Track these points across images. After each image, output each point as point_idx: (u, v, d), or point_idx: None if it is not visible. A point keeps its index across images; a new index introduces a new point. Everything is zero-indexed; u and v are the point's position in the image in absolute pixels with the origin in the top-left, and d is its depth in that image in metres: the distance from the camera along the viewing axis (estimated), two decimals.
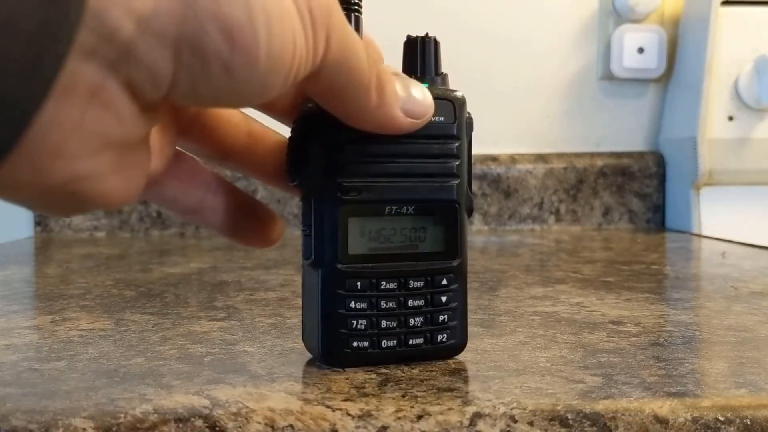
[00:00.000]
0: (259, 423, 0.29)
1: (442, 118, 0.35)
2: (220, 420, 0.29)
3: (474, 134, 0.36)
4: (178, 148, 0.32)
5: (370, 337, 0.34)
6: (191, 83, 0.24)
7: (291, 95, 0.33)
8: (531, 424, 0.29)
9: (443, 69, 0.36)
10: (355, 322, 0.34)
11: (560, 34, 1.05)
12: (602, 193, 1.03)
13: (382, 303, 0.34)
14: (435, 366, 0.35)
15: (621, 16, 1.02)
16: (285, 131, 0.36)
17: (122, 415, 0.29)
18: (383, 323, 0.34)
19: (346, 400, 0.30)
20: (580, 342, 0.40)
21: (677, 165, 1.01)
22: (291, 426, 0.29)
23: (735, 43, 0.95)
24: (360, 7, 0.35)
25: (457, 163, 0.35)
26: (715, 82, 0.95)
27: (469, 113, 0.36)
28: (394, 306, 0.34)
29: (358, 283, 0.34)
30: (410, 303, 0.35)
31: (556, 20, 1.05)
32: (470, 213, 0.36)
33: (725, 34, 0.95)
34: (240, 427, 0.29)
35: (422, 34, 0.36)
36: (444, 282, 0.35)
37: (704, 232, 0.95)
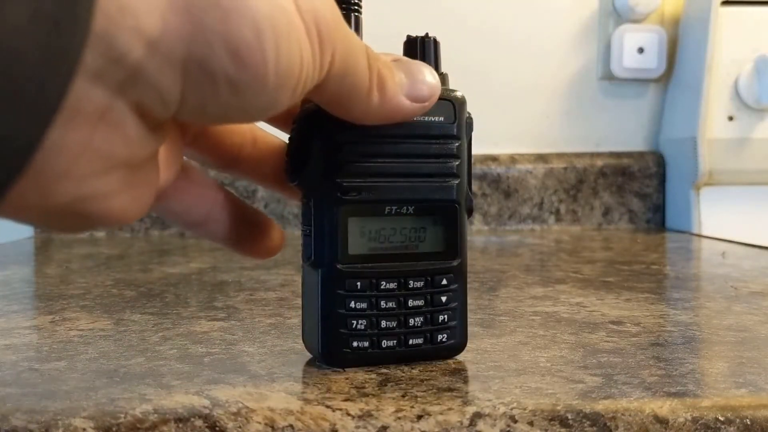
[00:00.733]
0: (259, 423, 0.29)
1: (442, 118, 0.35)
2: (220, 420, 0.29)
3: (474, 134, 0.36)
4: (185, 159, 0.32)
5: (370, 337, 0.34)
6: (199, 102, 0.24)
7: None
8: (531, 424, 0.29)
9: (443, 69, 0.36)
10: (355, 322, 0.34)
11: (560, 34, 1.05)
12: (602, 193, 1.03)
13: (382, 303, 0.34)
14: (435, 366, 0.35)
15: (621, 16, 1.02)
16: (285, 134, 0.36)
17: (122, 415, 0.29)
18: (383, 323, 0.34)
19: (346, 400, 0.30)
20: (580, 342, 0.40)
21: (677, 165, 1.01)
22: (291, 426, 0.29)
23: (735, 43, 0.95)
24: (360, 7, 0.35)
25: (457, 163, 0.35)
26: (715, 82, 0.95)
27: (469, 113, 0.36)
28: (394, 306, 0.34)
29: (358, 283, 0.34)
30: (410, 303, 0.35)
31: (556, 20, 1.05)
32: (470, 213, 0.36)
33: (725, 34, 0.95)
34: (240, 427, 0.29)
35: (422, 34, 0.36)
36: (444, 282, 0.35)
37: (704, 232, 0.95)
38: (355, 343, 0.34)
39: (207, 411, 0.29)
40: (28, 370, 0.35)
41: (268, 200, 0.99)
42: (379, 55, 0.30)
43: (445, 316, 0.35)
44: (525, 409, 0.29)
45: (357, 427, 0.29)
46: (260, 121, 0.31)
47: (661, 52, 1.01)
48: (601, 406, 0.30)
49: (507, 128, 1.05)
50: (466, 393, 0.31)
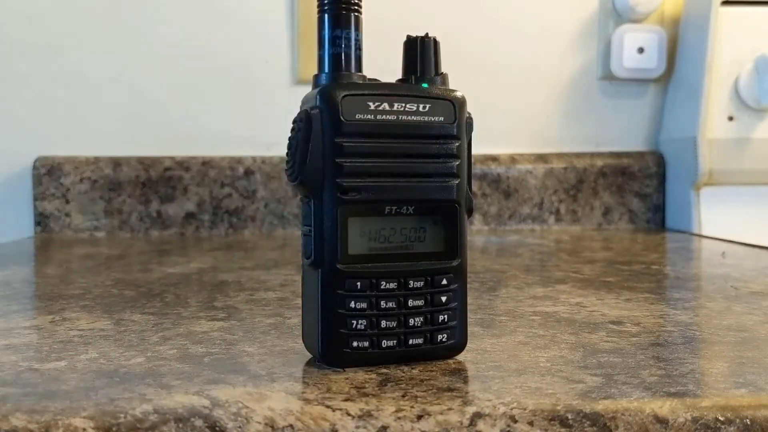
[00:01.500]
0: (259, 423, 0.29)
1: (442, 118, 0.35)
2: (220, 420, 0.29)
3: (474, 134, 0.36)
4: None
5: (370, 337, 0.34)
6: None
7: None
8: (531, 424, 0.29)
9: (443, 69, 0.36)
10: (355, 322, 0.34)
11: (560, 34, 1.05)
12: (602, 193, 1.03)
13: (382, 303, 0.34)
14: (435, 366, 0.35)
15: (621, 16, 1.02)
16: (285, 131, 0.36)
17: (122, 415, 0.29)
18: (383, 323, 0.34)
19: (346, 400, 0.30)
20: (580, 342, 0.40)
21: (677, 165, 1.01)
22: (291, 426, 0.29)
23: (735, 43, 0.95)
24: (360, 7, 0.35)
25: (457, 163, 0.35)
26: (715, 82, 0.95)
27: (469, 113, 0.36)
28: (394, 306, 0.34)
29: (358, 283, 0.34)
30: (410, 303, 0.35)
31: (556, 20, 1.05)
32: (470, 213, 0.36)
33: (725, 34, 0.95)
34: (240, 427, 0.29)
35: (422, 34, 0.36)
36: (444, 282, 0.35)
37: (704, 232, 0.95)
38: (355, 343, 0.34)
39: (207, 411, 0.29)
40: (28, 370, 0.34)
41: (269, 200, 0.99)
42: None
43: (445, 316, 0.35)
44: (525, 409, 0.29)
45: (357, 427, 0.29)
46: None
47: (661, 52, 1.01)
48: (601, 406, 0.30)
49: (507, 128, 1.05)
50: (466, 393, 0.31)
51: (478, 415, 0.29)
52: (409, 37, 0.36)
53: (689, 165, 0.97)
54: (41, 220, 0.97)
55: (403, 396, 0.31)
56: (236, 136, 1.01)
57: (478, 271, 0.65)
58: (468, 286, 0.36)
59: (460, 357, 0.36)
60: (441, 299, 0.35)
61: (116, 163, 0.97)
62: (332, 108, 0.33)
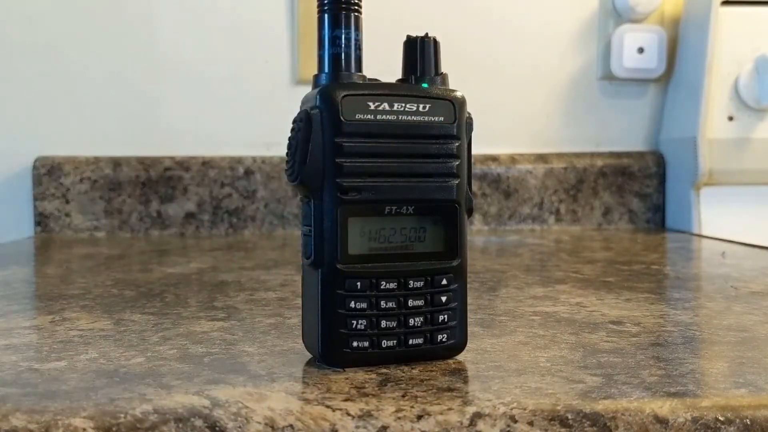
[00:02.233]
0: (259, 423, 0.29)
1: (442, 118, 0.35)
2: (220, 420, 0.29)
3: (474, 134, 0.36)
4: None
5: (370, 337, 0.34)
6: None
7: None
8: (531, 424, 0.29)
9: (443, 69, 0.36)
10: (354, 322, 0.34)
11: (560, 34, 1.05)
12: (602, 193, 1.03)
13: (382, 303, 0.34)
14: (435, 366, 0.35)
15: (621, 16, 1.02)
16: (285, 131, 0.36)
17: (122, 415, 0.29)
18: (383, 323, 0.34)
19: (346, 400, 0.30)
20: (580, 342, 0.40)
21: (677, 165, 1.01)
22: (291, 426, 0.29)
23: (735, 43, 0.95)
24: (360, 7, 0.35)
25: (457, 163, 0.35)
26: (715, 82, 0.95)
27: (469, 113, 0.36)
28: (394, 306, 0.34)
29: (358, 283, 0.34)
30: (410, 303, 0.35)
31: (556, 20, 1.05)
32: (470, 213, 0.36)
33: (725, 34, 0.95)
34: (240, 427, 0.29)
35: (422, 34, 0.36)
36: (444, 282, 0.35)
37: (704, 232, 0.95)
38: (355, 343, 0.34)
39: (207, 411, 0.29)
40: (28, 370, 0.34)
41: (268, 200, 0.99)
42: None
43: (445, 316, 0.35)
44: (525, 409, 0.29)
45: (357, 427, 0.29)
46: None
47: (661, 52, 1.01)
48: (601, 406, 0.30)
49: (507, 128, 1.05)
50: (466, 393, 0.31)
51: (478, 415, 0.29)
52: (409, 37, 0.36)
53: (689, 165, 0.97)
54: (41, 220, 0.97)
55: (403, 396, 0.31)
56: (236, 136, 1.01)
57: (478, 271, 0.65)
58: (468, 286, 0.36)
59: (460, 357, 0.36)
60: (441, 299, 0.35)
61: (116, 163, 0.97)
62: (332, 108, 0.33)
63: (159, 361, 0.36)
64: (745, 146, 0.95)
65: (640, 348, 0.38)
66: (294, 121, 0.34)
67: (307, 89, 0.35)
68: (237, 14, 1.00)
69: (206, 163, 0.98)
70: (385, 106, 0.34)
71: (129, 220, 0.97)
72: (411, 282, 0.35)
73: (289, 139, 0.34)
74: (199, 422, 0.29)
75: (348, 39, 0.35)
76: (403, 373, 0.34)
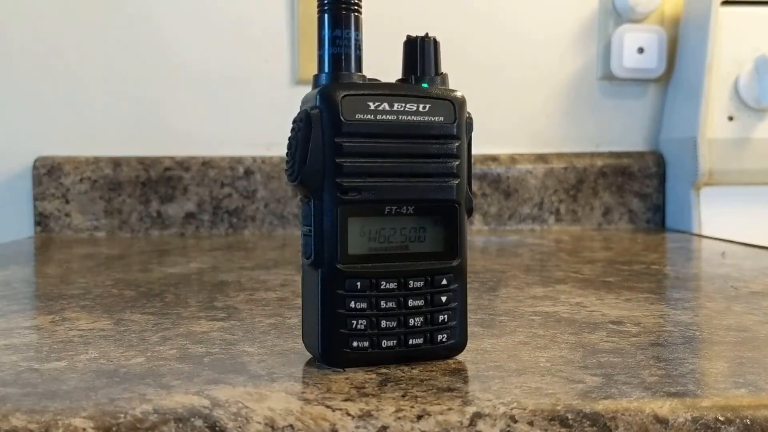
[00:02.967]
0: (259, 423, 0.29)
1: (442, 118, 0.35)
2: (220, 420, 0.29)
3: (474, 134, 0.36)
4: None
5: (370, 337, 0.34)
6: None
7: None
8: (531, 424, 0.29)
9: (443, 69, 0.36)
10: (354, 322, 0.34)
11: (560, 33, 1.05)
12: (602, 193, 1.03)
13: (382, 303, 0.34)
14: (435, 366, 0.35)
15: (621, 16, 1.02)
16: (285, 131, 0.36)
17: (122, 415, 0.29)
18: (383, 323, 0.34)
19: (346, 400, 0.30)
20: (580, 342, 0.40)
21: (677, 165, 1.01)
22: (291, 426, 0.29)
23: (735, 43, 0.95)
24: (360, 7, 0.35)
25: (457, 163, 0.35)
26: (715, 82, 0.95)
27: (469, 113, 0.36)
28: (394, 306, 0.34)
29: (358, 283, 0.34)
30: (410, 303, 0.35)
31: (556, 20, 1.05)
32: (470, 213, 0.36)
33: (725, 34, 0.95)
34: (240, 427, 0.29)
35: (422, 34, 0.36)
36: (444, 282, 0.35)
37: (704, 232, 0.95)
38: (355, 343, 0.34)
39: (207, 411, 0.29)
40: (28, 370, 0.34)
41: (268, 200, 0.99)
42: None
43: (445, 316, 0.35)
44: (525, 409, 0.29)
45: (357, 427, 0.29)
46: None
47: (661, 52, 1.01)
48: (601, 406, 0.30)
49: (507, 128, 1.05)
50: (466, 393, 0.31)
51: (478, 415, 0.29)
52: (409, 37, 0.36)
53: (689, 165, 0.96)
54: (41, 220, 0.97)
55: (403, 396, 0.31)
56: (236, 136, 1.01)
57: (478, 271, 0.65)
58: (468, 286, 0.36)
59: (460, 357, 0.36)
60: (441, 299, 0.35)
61: (116, 163, 0.97)
62: (332, 108, 0.33)
63: (159, 361, 0.36)
64: (745, 146, 0.95)
65: (640, 348, 0.38)
66: (294, 121, 0.34)
67: (307, 89, 0.35)
68: (237, 14, 1.00)
69: (206, 163, 0.98)
70: (385, 106, 0.34)
71: (129, 220, 0.97)
72: (411, 282, 0.35)
73: (289, 139, 0.34)
74: (199, 422, 0.29)
75: (348, 39, 0.35)
76: (403, 373, 0.34)
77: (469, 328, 0.37)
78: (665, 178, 1.04)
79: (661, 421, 0.29)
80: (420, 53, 0.35)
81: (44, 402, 0.30)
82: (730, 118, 0.95)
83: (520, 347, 0.39)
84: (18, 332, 0.43)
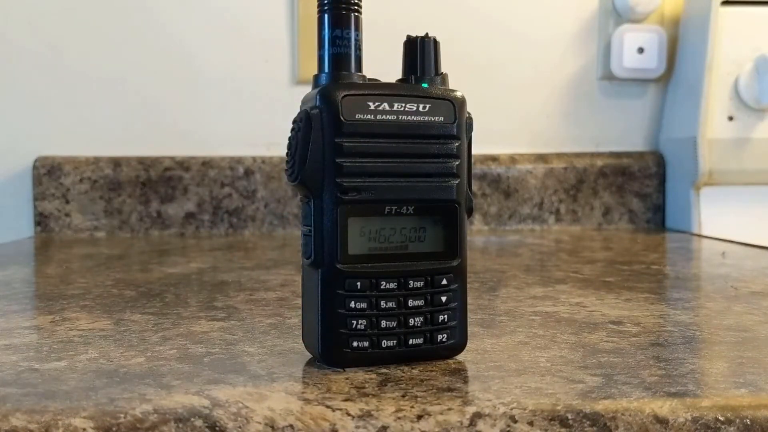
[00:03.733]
0: (259, 423, 0.29)
1: (442, 118, 0.35)
2: (220, 420, 0.29)
3: (474, 134, 0.36)
4: None
5: (370, 337, 0.34)
6: None
7: None
8: (531, 424, 0.29)
9: (443, 69, 0.36)
10: (354, 322, 0.34)
11: (560, 34, 1.05)
12: (602, 193, 1.03)
13: (382, 303, 0.34)
14: (435, 366, 0.35)
15: (621, 16, 1.02)
16: (285, 131, 0.36)
17: (122, 415, 0.29)
18: (383, 323, 0.34)
19: (346, 400, 0.30)
20: (580, 342, 0.40)
21: (677, 165, 1.01)
22: (291, 426, 0.29)
23: (735, 43, 0.95)
24: (360, 7, 0.35)
25: (457, 163, 0.35)
26: (715, 82, 0.95)
27: (469, 113, 0.36)
28: (394, 306, 0.34)
29: (358, 283, 0.34)
30: (410, 303, 0.35)
31: (556, 20, 1.04)
32: (470, 213, 0.36)
33: (725, 34, 0.95)
34: (240, 427, 0.29)
35: (422, 34, 0.36)
36: (444, 282, 0.35)
37: (704, 232, 0.95)
38: (355, 343, 0.34)
39: (207, 411, 0.29)
40: (28, 370, 0.34)
41: (268, 200, 0.99)
42: None
43: (445, 316, 0.35)
44: (525, 409, 0.29)
45: (357, 427, 0.29)
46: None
47: (661, 52, 1.01)
48: (601, 406, 0.30)
49: (507, 128, 1.05)
50: (466, 393, 0.31)
51: (478, 415, 0.29)
52: (409, 37, 0.36)
53: (689, 165, 0.97)
54: (41, 220, 0.97)
55: (403, 396, 0.31)
56: (236, 136, 1.01)
57: (478, 271, 0.65)
58: (468, 286, 0.36)
59: (460, 357, 0.36)
60: (441, 299, 0.35)
61: (116, 163, 0.97)
62: (332, 108, 0.33)
63: (159, 361, 0.36)
64: (745, 146, 0.95)
65: (640, 348, 0.38)
66: (294, 121, 0.34)
67: (307, 89, 0.35)
68: (237, 14, 1.00)
69: (206, 163, 0.98)
70: (385, 106, 0.34)
71: (129, 220, 0.97)
72: (411, 282, 0.35)
73: (289, 139, 0.34)
74: (199, 422, 0.29)
75: (348, 39, 0.35)
76: (403, 373, 0.34)
77: (469, 328, 0.37)
78: (665, 178, 1.04)
79: (661, 421, 0.29)
80: (420, 53, 0.35)
81: (44, 402, 0.30)
82: (730, 118, 0.95)
83: (520, 347, 0.39)
84: (18, 332, 0.43)
